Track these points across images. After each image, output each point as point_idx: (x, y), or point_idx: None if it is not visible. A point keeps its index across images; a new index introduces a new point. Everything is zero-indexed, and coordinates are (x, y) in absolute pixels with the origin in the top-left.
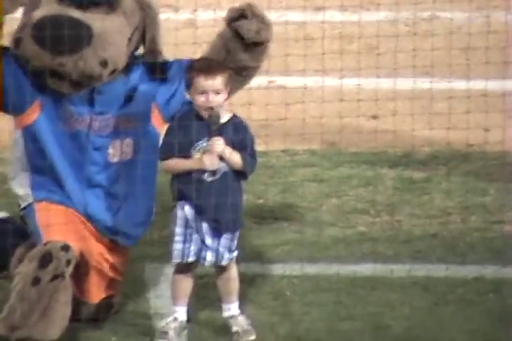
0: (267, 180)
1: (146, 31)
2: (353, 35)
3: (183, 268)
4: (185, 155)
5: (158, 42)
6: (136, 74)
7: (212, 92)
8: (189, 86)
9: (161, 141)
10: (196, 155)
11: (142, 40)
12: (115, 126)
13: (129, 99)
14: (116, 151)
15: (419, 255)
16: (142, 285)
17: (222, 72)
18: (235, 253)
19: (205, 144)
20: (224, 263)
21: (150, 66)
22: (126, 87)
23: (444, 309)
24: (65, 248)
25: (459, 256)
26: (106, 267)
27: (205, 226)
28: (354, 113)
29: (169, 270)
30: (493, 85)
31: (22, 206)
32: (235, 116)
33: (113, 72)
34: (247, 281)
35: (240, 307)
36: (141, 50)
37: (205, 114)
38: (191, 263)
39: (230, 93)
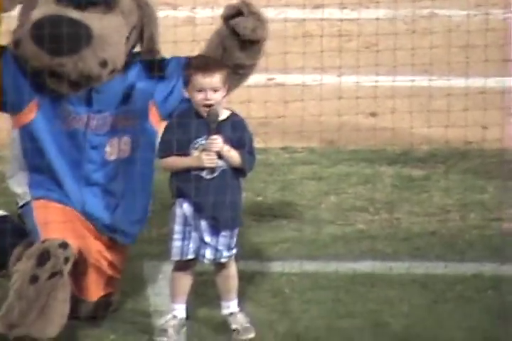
0: (266, 178)
1: (143, 30)
2: (352, 32)
3: (182, 266)
4: (184, 152)
5: (156, 40)
6: (134, 72)
7: (211, 90)
8: (187, 83)
9: (158, 139)
10: (195, 153)
11: (140, 38)
12: (113, 124)
13: (126, 97)
14: (114, 149)
15: (418, 252)
16: (141, 283)
17: (220, 69)
18: (234, 251)
19: (203, 142)
20: (223, 260)
21: (147, 64)
22: (123, 85)
23: (443, 306)
24: (63, 245)
25: (458, 253)
26: (104, 265)
27: (203, 223)
28: (353, 110)
29: (168, 268)
30: (492, 83)
31: (20, 204)
32: (233, 114)
33: (112, 71)
34: (246, 279)
35: (239, 304)
36: (138, 48)
37: (203, 112)
38: (190, 261)
39: (228, 91)
